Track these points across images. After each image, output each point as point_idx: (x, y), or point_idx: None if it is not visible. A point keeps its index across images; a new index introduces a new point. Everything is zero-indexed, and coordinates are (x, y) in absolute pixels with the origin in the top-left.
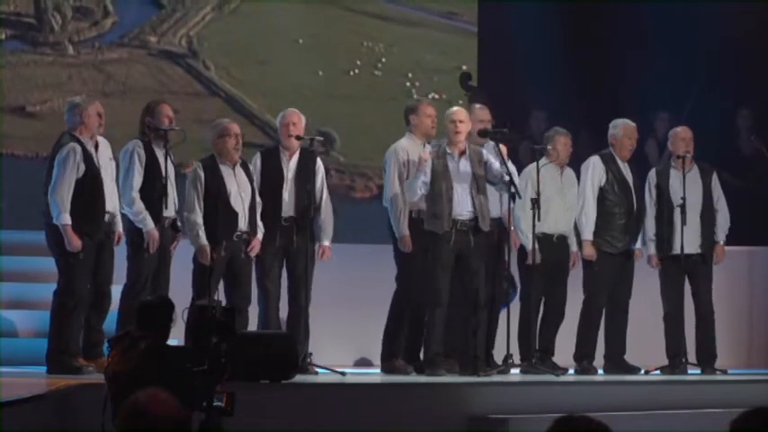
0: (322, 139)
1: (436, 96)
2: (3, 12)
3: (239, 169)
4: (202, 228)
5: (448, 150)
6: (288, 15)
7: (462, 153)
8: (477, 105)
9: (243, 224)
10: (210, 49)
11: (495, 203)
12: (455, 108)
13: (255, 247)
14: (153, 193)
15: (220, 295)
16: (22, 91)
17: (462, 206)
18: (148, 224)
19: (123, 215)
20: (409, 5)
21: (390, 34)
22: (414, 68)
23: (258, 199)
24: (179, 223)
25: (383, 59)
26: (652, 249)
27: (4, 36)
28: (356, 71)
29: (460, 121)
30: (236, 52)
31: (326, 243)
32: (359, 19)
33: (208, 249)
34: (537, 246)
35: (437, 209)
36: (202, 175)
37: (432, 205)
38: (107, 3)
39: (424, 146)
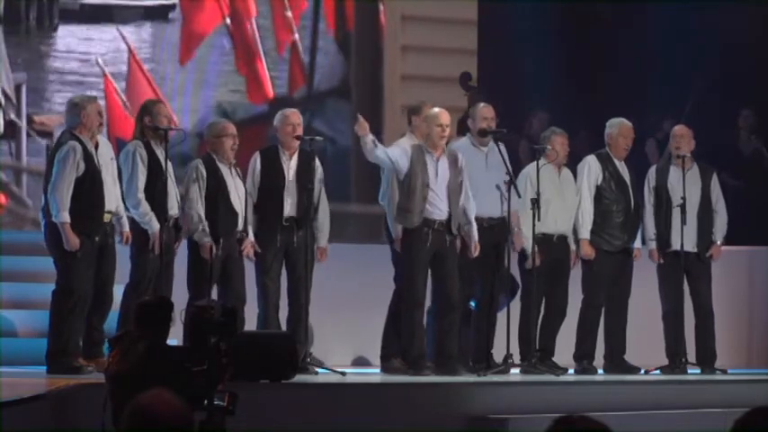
0: (322, 138)
1: None
2: None
3: (234, 169)
4: (206, 223)
5: (428, 150)
6: None
7: (441, 155)
8: (482, 104)
9: (241, 223)
10: None
11: (497, 204)
12: (439, 110)
13: (248, 247)
14: (155, 192)
15: (213, 295)
16: None
17: (437, 206)
18: (154, 225)
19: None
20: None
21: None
22: None
23: (249, 200)
24: (180, 221)
25: None
26: (653, 246)
27: None
28: None
29: (447, 126)
30: None
31: (323, 244)
32: None
33: (209, 246)
34: (537, 246)
35: (409, 204)
36: (204, 172)
37: (404, 200)
38: None
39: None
